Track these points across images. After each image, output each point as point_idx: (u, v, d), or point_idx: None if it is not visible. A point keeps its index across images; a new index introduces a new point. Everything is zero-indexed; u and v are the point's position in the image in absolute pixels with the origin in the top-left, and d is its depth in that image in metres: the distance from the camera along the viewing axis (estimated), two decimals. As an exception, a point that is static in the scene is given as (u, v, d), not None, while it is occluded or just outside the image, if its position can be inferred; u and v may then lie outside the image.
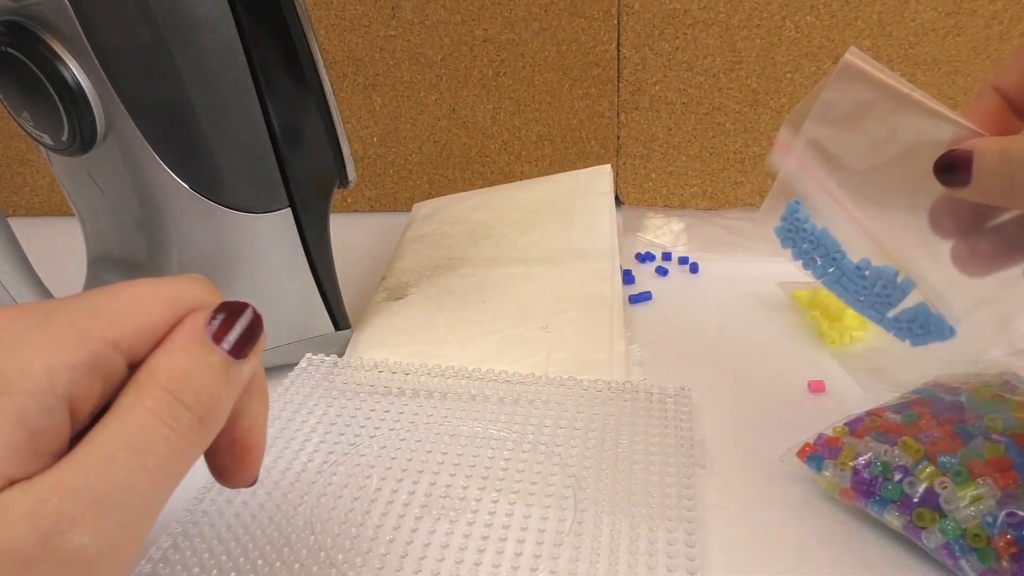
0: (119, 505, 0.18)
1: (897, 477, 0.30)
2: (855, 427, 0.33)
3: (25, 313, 0.19)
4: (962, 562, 0.27)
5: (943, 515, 0.28)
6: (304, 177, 0.39)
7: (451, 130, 0.66)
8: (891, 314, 0.31)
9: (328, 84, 0.38)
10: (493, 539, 0.30)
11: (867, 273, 0.31)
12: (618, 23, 0.61)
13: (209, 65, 0.35)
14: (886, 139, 0.29)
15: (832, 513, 0.32)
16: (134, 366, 0.20)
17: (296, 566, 0.29)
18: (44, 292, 0.37)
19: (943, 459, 0.29)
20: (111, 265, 0.41)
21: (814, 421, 0.35)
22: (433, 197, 0.66)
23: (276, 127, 0.37)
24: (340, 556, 0.29)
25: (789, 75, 0.61)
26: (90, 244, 0.43)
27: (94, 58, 0.33)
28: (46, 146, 0.36)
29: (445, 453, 0.35)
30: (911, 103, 0.28)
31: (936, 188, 0.28)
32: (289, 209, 0.39)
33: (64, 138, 0.35)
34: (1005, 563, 0.26)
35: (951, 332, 0.30)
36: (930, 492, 0.29)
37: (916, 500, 0.29)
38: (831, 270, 0.32)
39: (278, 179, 0.38)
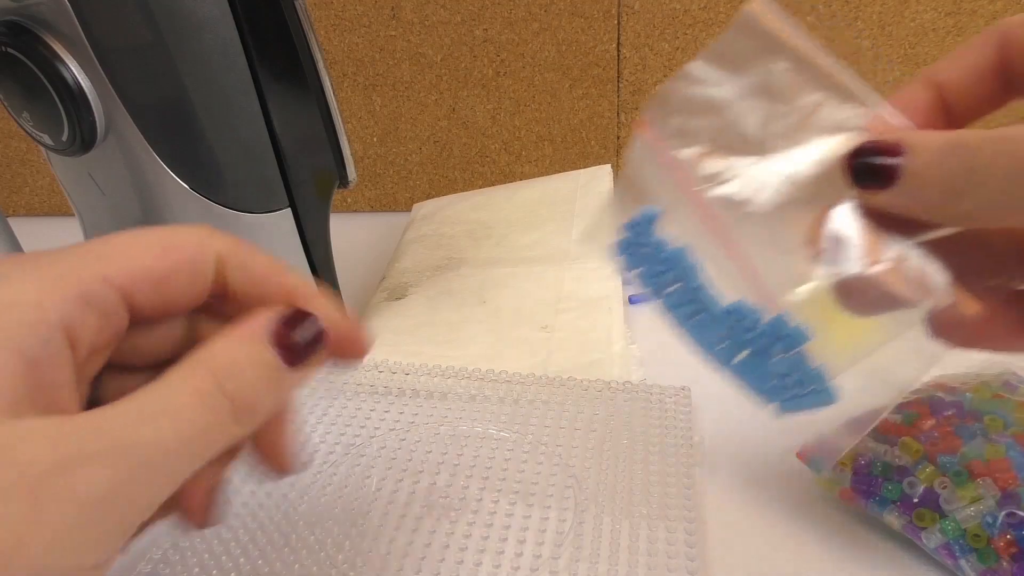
0: (141, 461, 0.17)
1: (897, 477, 0.30)
2: (855, 427, 0.33)
3: (13, 259, 0.19)
4: (962, 562, 0.27)
5: (943, 515, 0.28)
6: (304, 177, 0.39)
7: (451, 130, 0.66)
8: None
9: (328, 84, 0.38)
10: (493, 539, 0.30)
11: (744, 315, 0.23)
12: (618, 23, 0.61)
13: (209, 65, 0.35)
14: (781, 118, 0.22)
15: (832, 513, 0.32)
16: (136, 311, 0.20)
17: (296, 566, 0.29)
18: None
19: (943, 459, 0.29)
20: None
21: (814, 421, 0.35)
22: (433, 197, 0.66)
23: (276, 127, 0.37)
24: (340, 556, 0.29)
25: (789, 75, 0.61)
26: (90, 244, 0.43)
27: (94, 58, 0.33)
28: (46, 146, 0.36)
29: (445, 453, 0.35)
30: (823, 74, 0.22)
31: (841, 194, 0.21)
32: (289, 209, 0.39)
33: (64, 138, 0.35)
34: (1005, 563, 0.26)
35: (833, 394, 0.23)
36: (930, 492, 0.29)
37: (916, 500, 0.29)
38: (686, 305, 0.24)
39: (278, 179, 0.38)
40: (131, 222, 0.39)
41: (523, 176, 0.67)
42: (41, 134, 0.36)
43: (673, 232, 0.23)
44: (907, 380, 0.22)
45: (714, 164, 0.23)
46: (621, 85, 0.63)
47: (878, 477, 0.30)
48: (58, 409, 0.18)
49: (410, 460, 0.35)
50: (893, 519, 0.29)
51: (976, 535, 0.27)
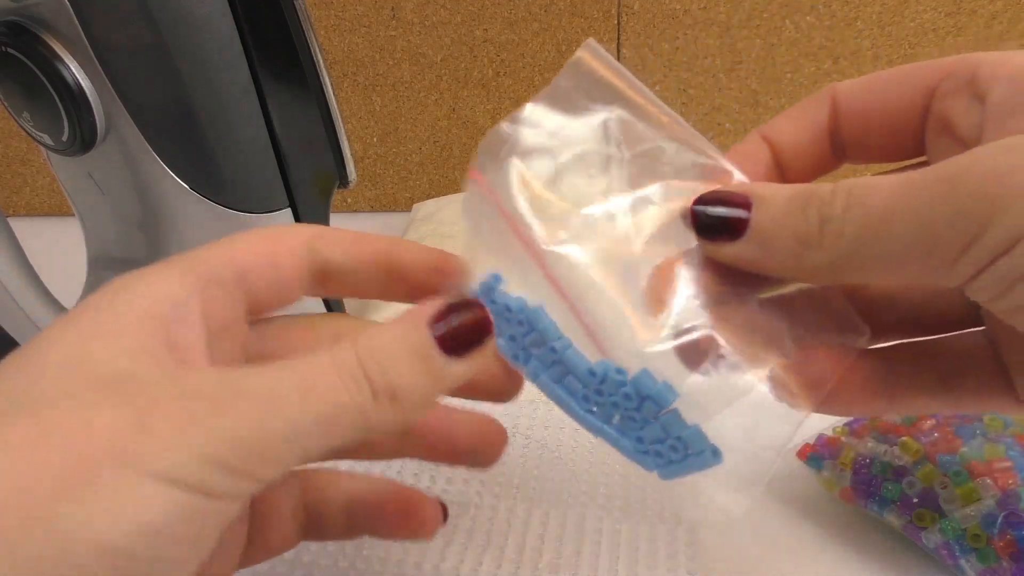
0: (259, 413, 0.17)
1: (897, 477, 0.30)
2: (855, 427, 0.33)
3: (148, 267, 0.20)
4: (962, 562, 0.27)
5: (943, 515, 0.28)
6: (304, 177, 0.39)
7: (451, 130, 0.66)
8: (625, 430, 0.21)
9: (328, 84, 0.38)
10: (494, 539, 0.30)
11: (608, 376, 0.21)
12: (618, 23, 0.61)
13: (209, 65, 0.35)
14: (618, 167, 0.21)
15: (832, 513, 0.32)
16: (249, 287, 0.21)
17: (297, 568, 0.29)
18: (44, 292, 0.37)
19: (943, 459, 0.29)
20: (111, 265, 0.41)
21: (814, 421, 0.35)
22: (433, 197, 0.66)
23: (276, 127, 0.37)
24: (341, 556, 0.29)
25: (789, 75, 0.61)
26: (90, 244, 0.43)
27: (94, 58, 0.33)
28: (46, 146, 0.36)
29: (445, 453, 0.35)
30: (659, 123, 0.21)
31: (687, 246, 0.20)
32: (289, 209, 0.39)
33: (64, 138, 0.35)
34: (1005, 563, 0.26)
35: (714, 454, 0.21)
36: (930, 492, 0.29)
37: (916, 500, 0.29)
38: (551, 368, 0.21)
39: (278, 179, 0.38)
40: (131, 222, 0.39)
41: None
42: (41, 134, 0.36)
43: (522, 291, 0.20)
44: (775, 443, 0.21)
45: (550, 214, 0.21)
46: (621, 85, 0.63)
47: (878, 477, 0.30)
48: (186, 360, 0.19)
49: (410, 460, 0.35)
50: (893, 519, 0.30)
51: (976, 535, 0.27)
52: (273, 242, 0.22)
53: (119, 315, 0.18)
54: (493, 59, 0.63)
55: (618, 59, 0.62)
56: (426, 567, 0.29)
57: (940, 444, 0.30)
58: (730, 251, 0.20)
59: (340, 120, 0.40)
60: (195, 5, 0.33)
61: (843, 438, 0.32)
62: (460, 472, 0.34)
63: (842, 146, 0.23)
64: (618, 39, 0.62)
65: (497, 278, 0.20)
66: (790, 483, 0.34)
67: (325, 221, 0.42)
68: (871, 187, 0.18)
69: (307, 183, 0.40)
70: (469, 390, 0.23)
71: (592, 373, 0.21)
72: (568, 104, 0.21)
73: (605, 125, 0.21)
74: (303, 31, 0.36)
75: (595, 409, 0.21)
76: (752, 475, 0.21)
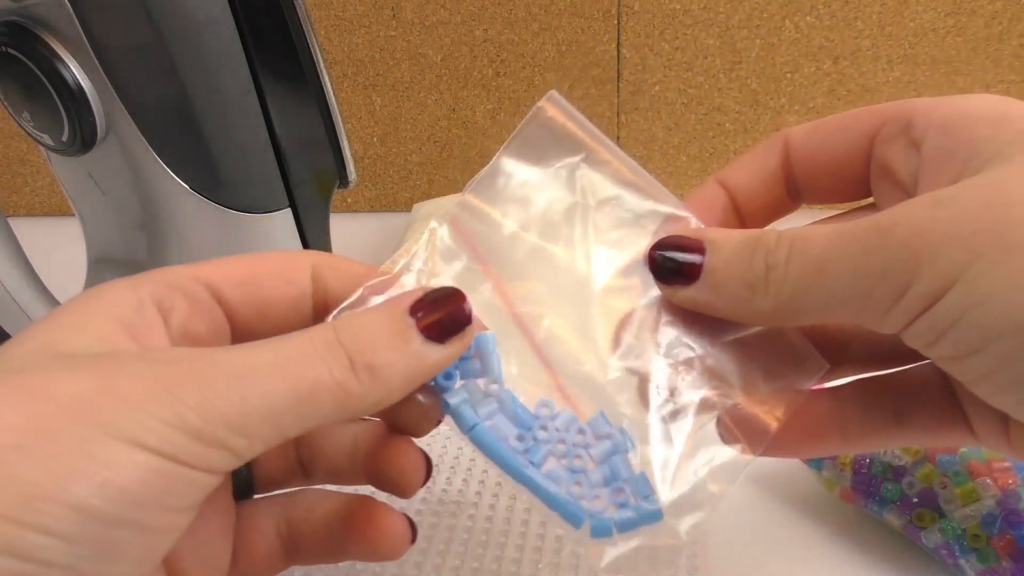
0: (231, 379, 0.17)
1: (897, 477, 0.30)
2: (855, 427, 0.33)
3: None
4: (962, 562, 0.27)
5: (943, 515, 0.28)
6: (304, 177, 0.39)
7: (451, 130, 0.66)
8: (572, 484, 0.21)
9: (328, 84, 0.38)
10: (493, 539, 0.30)
11: (551, 419, 0.21)
12: (618, 23, 0.61)
13: (209, 65, 0.35)
14: (582, 213, 0.22)
15: (832, 513, 0.32)
16: (230, 308, 0.21)
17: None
18: (44, 292, 0.37)
19: (942, 459, 0.29)
20: (111, 265, 0.41)
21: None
22: (433, 197, 0.66)
23: (276, 127, 0.37)
24: (340, 556, 0.30)
25: (789, 75, 0.61)
26: (90, 244, 0.43)
27: (94, 58, 0.33)
28: (46, 146, 0.36)
29: (445, 453, 0.35)
30: (618, 171, 0.22)
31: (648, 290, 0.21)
32: (289, 209, 0.39)
33: (64, 138, 0.35)
34: (1004, 563, 0.26)
35: (656, 512, 0.20)
36: (930, 492, 0.29)
37: (916, 500, 0.29)
38: (485, 401, 0.21)
39: (278, 179, 0.38)
40: (131, 222, 0.39)
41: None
42: (41, 134, 0.36)
43: (485, 325, 0.21)
44: (719, 482, 0.21)
45: (520, 258, 0.22)
46: (621, 85, 0.63)
47: (878, 477, 0.30)
48: None
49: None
50: (893, 519, 0.30)
51: (975, 535, 0.27)
52: (256, 260, 0.22)
53: (88, 313, 0.19)
54: (493, 59, 0.63)
55: (618, 59, 0.62)
56: (427, 567, 0.29)
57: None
58: (685, 295, 0.21)
59: (340, 120, 0.40)
60: (195, 5, 0.33)
61: (843, 438, 0.32)
62: (460, 472, 0.34)
63: (796, 189, 0.24)
64: (618, 39, 0.62)
65: (492, 338, 0.21)
66: (790, 483, 0.34)
67: (325, 221, 0.42)
68: (810, 237, 0.19)
69: (307, 183, 0.40)
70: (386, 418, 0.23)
71: (535, 415, 0.21)
72: (536, 153, 0.22)
73: (570, 174, 0.22)
74: (303, 31, 0.36)
75: (525, 452, 0.21)
76: (692, 511, 0.21)
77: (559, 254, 0.22)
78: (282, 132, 0.37)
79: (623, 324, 0.22)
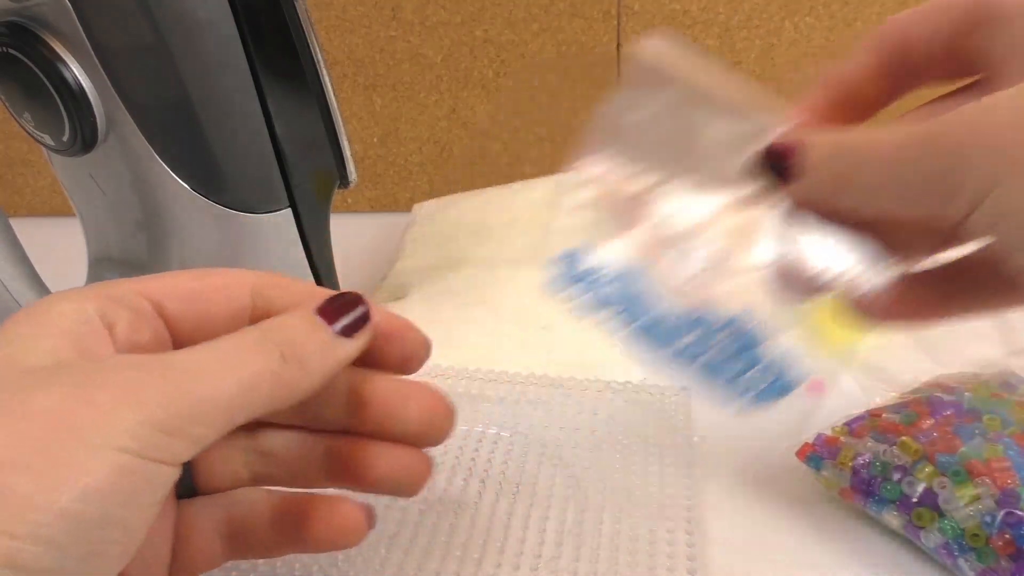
0: (187, 377, 0.19)
1: (896, 477, 0.30)
2: (854, 427, 0.33)
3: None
4: (961, 561, 0.27)
5: (942, 515, 0.28)
6: (304, 177, 0.39)
7: (451, 130, 0.66)
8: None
9: (328, 84, 0.38)
10: (493, 539, 0.30)
11: (706, 319, 0.25)
12: (618, 23, 0.61)
13: (209, 65, 0.35)
14: (701, 135, 0.24)
15: (831, 513, 0.32)
16: (172, 321, 0.23)
17: (296, 566, 0.29)
18: (45, 292, 0.37)
19: (942, 459, 0.29)
20: (112, 265, 0.41)
21: (813, 421, 0.35)
22: (433, 197, 0.66)
23: (276, 127, 0.37)
24: (340, 556, 0.30)
25: (789, 75, 0.61)
26: (90, 244, 0.43)
27: (95, 58, 0.33)
28: (47, 146, 0.36)
29: (445, 453, 0.35)
30: (724, 96, 0.24)
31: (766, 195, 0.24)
32: (289, 209, 0.39)
33: (65, 138, 0.35)
34: (1003, 562, 0.26)
35: (793, 383, 0.25)
36: (929, 492, 0.29)
37: (915, 500, 0.29)
38: (639, 319, 0.25)
39: (278, 179, 0.38)
40: (131, 222, 0.39)
41: (523, 176, 0.67)
42: (42, 134, 0.36)
43: (612, 255, 0.25)
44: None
45: (646, 184, 0.25)
46: (621, 85, 0.63)
47: (877, 477, 0.30)
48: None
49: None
50: (892, 519, 0.30)
51: (975, 534, 0.27)
52: (198, 277, 0.24)
53: (39, 328, 0.20)
54: (493, 59, 0.63)
55: (618, 59, 0.62)
56: (428, 567, 0.29)
57: (939, 444, 0.30)
58: (791, 191, 0.23)
59: (340, 120, 0.40)
60: (195, 5, 0.33)
61: (842, 438, 0.32)
62: (460, 472, 0.34)
63: (897, 78, 0.25)
64: (618, 39, 0.62)
65: (574, 255, 0.26)
66: (790, 483, 0.34)
67: (325, 221, 0.42)
68: (881, 143, 0.21)
69: (307, 183, 0.40)
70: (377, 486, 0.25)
71: (687, 319, 0.25)
72: (644, 86, 0.24)
73: (678, 102, 0.24)
74: (303, 31, 0.36)
75: (683, 350, 0.25)
76: None
77: (683, 174, 0.25)
78: (282, 132, 0.37)
79: (752, 226, 0.24)
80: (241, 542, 0.24)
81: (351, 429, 0.25)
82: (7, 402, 0.17)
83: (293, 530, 0.24)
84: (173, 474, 0.18)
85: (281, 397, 0.21)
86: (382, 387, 0.24)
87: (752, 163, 0.23)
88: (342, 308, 0.23)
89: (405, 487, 0.25)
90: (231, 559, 0.25)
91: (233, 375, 0.19)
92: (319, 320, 0.22)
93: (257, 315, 0.24)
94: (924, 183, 0.20)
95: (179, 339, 0.23)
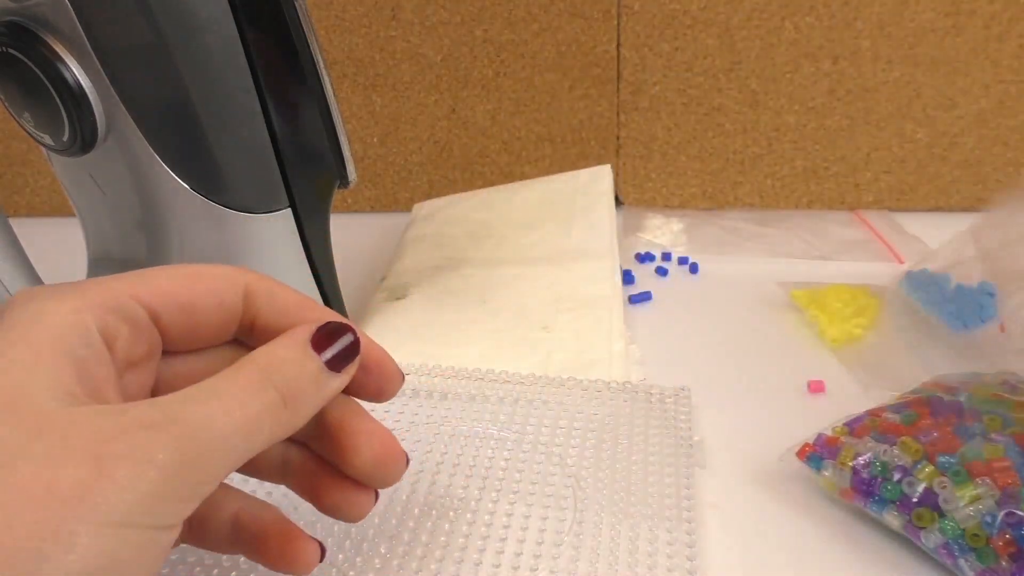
0: (197, 434, 0.19)
1: (896, 477, 0.30)
2: (854, 427, 0.33)
3: (55, 285, 0.22)
4: (961, 562, 0.27)
5: (942, 515, 0.28)
6: (304, 177, 0.39)
7: (451, 130, 0.66)
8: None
9: (328, 84, 0.38)
10: (493, 539, 0.30)
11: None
12: (618, 23, 0.61)
13: (209, 65, 0.35)
14: None
15: (831, 513, 0.32)
16: (167, 332, 0.23)
17: (296, 566, 0.29)
18: (45, 292, 0.37)
19: (942, 459, 0.29)
20: (111, 265, 0.41)
21: (814, 421, 0.35)
22: (433, 197, 0.66)
23: (276, 127, 0.37)
24: (340, 556, 0.30)
25: (789, 75, 0.61)
26: (90, 244, 0.43)
27: (95, 58, 0.33)
28: (47, 146, 0.36)
29: (445, 453, 0.35)
30: None
31: None
32: (289, 209, 0.39)
33: (65, 138, 0.35)
34: (1004, 563, 0.26)
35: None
36: (929, 492, 0.29)
37: (915, 500, 0.29)
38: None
39: (278, 179, 0.38)
40: (131, 222, 0.39)
41: (523, 176, 0.67)
42: (42, 134, 0.36)
43: None
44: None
45: None
46: (621, 85, 0.63)
47: (877, 477, 0.30)
48: (106, 403, 0.20)
49: (410, 460, 0.35)
50: (892, 519, 0.30)
51: (975, 535, 0.27)
52: (193, 282, 0.23)
53: (35, 346, 0.19)
54: (493, 59, 0.63)
55: (618, 59, 0.62)
56: (428, 567, 0.29)
57: (939, 444, 0.30)
58: None
59: (340, 120, 0.40)
60: (195, 5, 0.33)
61: (843, 438, 0.32)
62: (461, 472, 0.34)
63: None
64: (618, 39, 0.62)
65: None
66: (790, 483, 0.34)
67: (325, 221, 0.42)
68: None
69: (307, 183, 0.40)
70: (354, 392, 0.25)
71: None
72: None
73: None
74: (303, 31, 0.36)
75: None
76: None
77: None
78: (282, 132, 0.37)
79: None
80: (199, 531, 0.25)
81: (310, 445, 0.26)
82: (27, 477, 0.17)
83: (248, 543, 0.25)
84: (177, 532, 0.19)
85: (278, 437, 0.21)
86: (344, 421, 0.25)
87: None
88: (332, 338, 0.23)
89: (348, 518, 0.25)
90: (183, 543, 0.25)
91: (238, 427, 0.20)
92: (313, 354, 0.22)
93: (245, 323, 0.24)
94: None
95: (169, 344, 0.23)
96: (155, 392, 0.24)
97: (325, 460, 0.25)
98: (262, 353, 0.22)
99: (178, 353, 0.24)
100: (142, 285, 0.22)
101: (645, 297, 0.52)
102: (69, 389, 0.19)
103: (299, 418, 0.22)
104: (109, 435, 0.18)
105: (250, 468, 0.26)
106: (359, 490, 0.25)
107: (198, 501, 0.19)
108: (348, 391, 0.25)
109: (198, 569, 0.29)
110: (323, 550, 0.25)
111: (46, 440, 0.17)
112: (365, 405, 0.26)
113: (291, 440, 0.25)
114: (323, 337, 0.23)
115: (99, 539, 0.17)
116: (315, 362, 0.22)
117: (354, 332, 0.24)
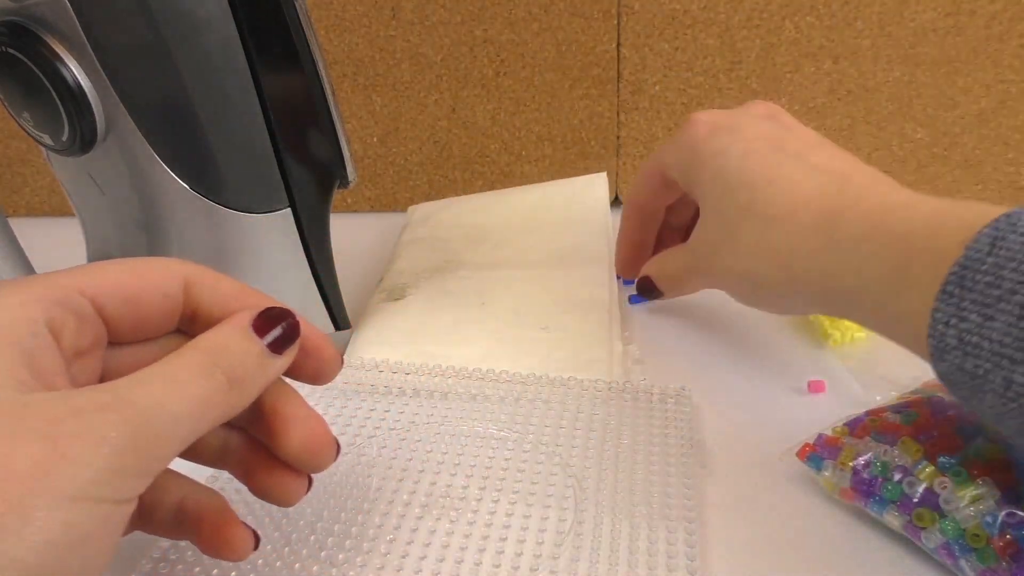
0: (148, 413, 0.20)
1: (897, 477, 0.30)
2: (855, 427, 0.33)
3: (2, 281, 0.23)
4: (961, 562, 0.27)
5: (943, 515, 0.28)
6: (304, 177, 0.39)
7: (451, 130, 0.66)
8: None
9: (328, 84, 0.38)
10: (493, 539, 0.30)
11: None
12: (618, 23, 0.61)
13: (209, 65, 0.35)
14: None
15: (832, 513, 0.32)
16: (111, 323, 0.24)
17: (296, 566, 0.29)
18: (44, 292, 0.36)
19: (943, 459, 0.29)
20: (111, 265, 0.41)
21: (814, 421, 0.35)
22: (433, 198, 0.66)
23: (276, 127, 0.37)
24: (340, 556, 0.30)
25: (789, 75, 0.61)
26: (90, 244, 0.43)
27: (94, 58, 0.33)
28: (46, 146, 0.36)
29: (445, 453, 0.35)
30: None
31: None
32: (289, 209, 0.39)
33: (64, 138, 0.35)
34: (1004, 563, 0.26)
35: None
36: (930, 492, 0.29)
37: (916, 500, 0.29)
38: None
39: (278, 179, 0.38)
40: (131, 222, 0.39)
41: (523, 176, 0.67)
42: (41, 134, 0.36)
43: None
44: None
45: None
46: (621, 85, 0.63)
47: (878, 477, 0.30)
48: (55, 390, 0.21)
49: (410, 460, 0.35)
50: (893, 519, 0.30)
51: (975, 535, 0.27)
52: (135, 274, 0.24)
53: None
54: (493, 59, 0.63)
55: (618, 59, 0.62)
56: (428, 567, 0.29)
57: (940, 444, 0.30)
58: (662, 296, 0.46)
59: (340, 120, 0.40)
60: (195, 5, 0.33)
61: (843, 438, 0.32)
62: (462, 472, 0.34)
63: (654, 220, 0.45)
64: (618, 39, 0.62)
65: None
66: (790, 483, 0.34)
67: (325, 221, 0.42)
68: (664, 266, 0.44)
69: (307, 183, 0.40)
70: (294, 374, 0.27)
71: None
72: None
73: None
74: (303, 31, 0.36)
75: None
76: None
77: None
78: (282, 132, 0.37)
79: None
80: (147, 518, 0.26)
81: (247, 430, 0.27)
82: None
83: (188, 528, 0.26)
84: (132, 506, 0.20)
85: (224, 417, 0.22)
86: (278, 406, 0.25)
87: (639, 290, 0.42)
88: (273, 322, 0.24)
89: (280, 501, 0.27)
90: (135, 529, 0.26)
91: (187, 408, 0.21)
92: (255, 337, 0.24)
93: (187, 313, 0.25)
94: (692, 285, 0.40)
95: (114, 334, 0.24)
96: (102, 381, 0.24)
97: (261, 445, 0.26)
98: (206, 338, 0.23)
99: (123, 343, 0.25)
100: (87, 279, 0.23)
101: (643, 298, 0.52)
102: (20, 377, 0.20)
103: (244, 399, 0.23)
104: (62, 416, 0.19)
105: (191, 453, 0.26)
106: (292, 475, 0.26)
107: (151, 478, 0.20)
108: (288, 374, 0.26)
109: (197, 569, 0.29)
110: (257, 539, 0.26)
111: (0, 423, 0.18)
112: (302, 390, 0.27)
113: (229, 424, 0.26)
114: (264, 321, 0.24)
115: (56, 512, 0.17)
116: (258, 345, 0.23)
117: (293, 316, 0.25)
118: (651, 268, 0.40)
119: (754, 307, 0.32)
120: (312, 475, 0.27)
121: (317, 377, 0.27)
